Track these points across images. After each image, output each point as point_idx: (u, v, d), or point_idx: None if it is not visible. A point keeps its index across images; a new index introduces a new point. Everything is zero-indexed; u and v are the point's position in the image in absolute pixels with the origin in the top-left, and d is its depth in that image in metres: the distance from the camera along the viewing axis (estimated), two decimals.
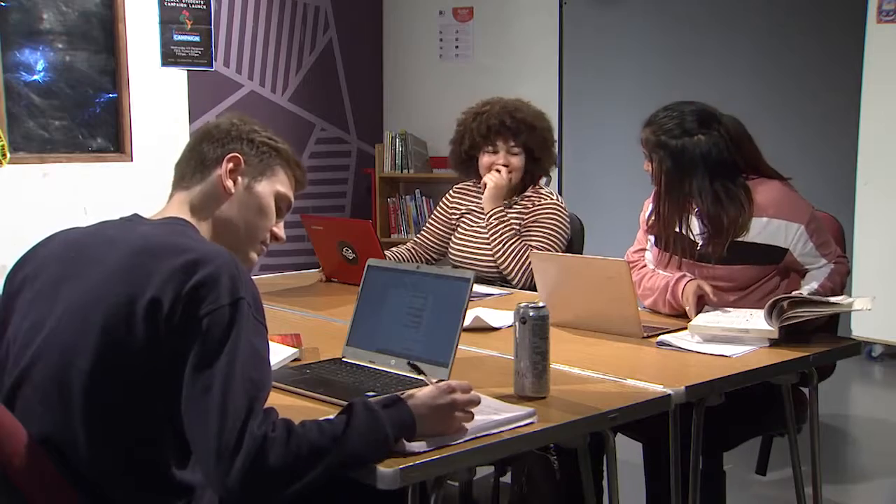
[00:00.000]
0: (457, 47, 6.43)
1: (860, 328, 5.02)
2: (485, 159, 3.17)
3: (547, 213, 3.12)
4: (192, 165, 1.73)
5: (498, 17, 6.18)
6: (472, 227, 3.23)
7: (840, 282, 2.48)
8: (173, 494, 1.55)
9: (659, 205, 2.57)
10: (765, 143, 2.65)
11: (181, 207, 1.71)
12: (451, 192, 3.38)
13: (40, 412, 1.52)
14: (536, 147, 3.15)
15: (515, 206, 3.18)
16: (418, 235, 3.41)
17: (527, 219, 3.14)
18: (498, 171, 3.14)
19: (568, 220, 3.15)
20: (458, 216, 3.32)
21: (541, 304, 1.82)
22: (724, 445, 2.45)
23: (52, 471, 1.48)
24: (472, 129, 3.18)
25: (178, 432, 1.46)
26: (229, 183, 1.71)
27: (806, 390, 2.39)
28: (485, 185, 3.14)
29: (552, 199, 3.16)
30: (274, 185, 1.76)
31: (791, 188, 2.55)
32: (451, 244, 3.29)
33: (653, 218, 2.63)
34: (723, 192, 2.48)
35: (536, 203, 3.15)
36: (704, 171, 2.48)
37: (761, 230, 2.48)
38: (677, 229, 2.56)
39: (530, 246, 3.05)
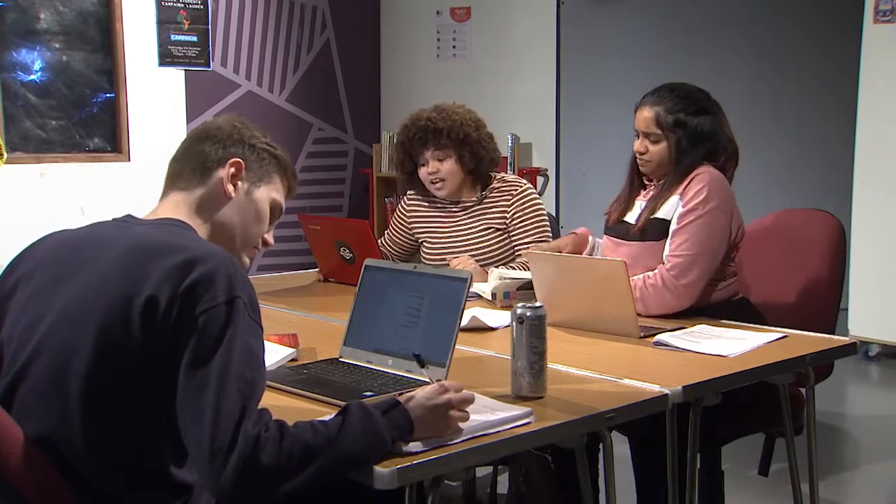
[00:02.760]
0: (454, 47, 6.42)
1: (857, 328, 5.04)
2: (421, 172, 3.15)
3: (527, 206, 3.11)
4: (191, 166, 1.73)
5: (495, 17, 6.17)
6: (437, 243, 3.20)
7: (649, 295, 2.47)
8: (171, 493, 1.55)
9: (663, 181, 2.58)
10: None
11: (178, 209, 1.71)
12: (406, 199, 3.32)
13: (37, 412, 1.52)
14: (464, 146, 3.09)
15: (489, 199, 3.15)
16: (381, 240, 3.33)
17: (511, 211, 3.12)
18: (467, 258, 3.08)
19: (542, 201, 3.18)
20: (417, 229, 3.27)
21: (538, 304, 1.82)
22: (718, 441, 2.45)
23: (48, 470, 1.48)
24: (399, 149, 3.18)
25: (176, 431, 1.46)
26: (230, 187, 1.72)
27: (803, 390, 2.39)
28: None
29: (523, 185, 3.16)
30: (270, 192, 1.78)
31: (723, 183, 2.53)
32: (424, 259, 3.25)
33: (613, 207, 2.72)
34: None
35: (515, 193, 3.13)
36: (707, 148, 2.54)
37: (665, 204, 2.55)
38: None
39: (527, 246, 3.03)
